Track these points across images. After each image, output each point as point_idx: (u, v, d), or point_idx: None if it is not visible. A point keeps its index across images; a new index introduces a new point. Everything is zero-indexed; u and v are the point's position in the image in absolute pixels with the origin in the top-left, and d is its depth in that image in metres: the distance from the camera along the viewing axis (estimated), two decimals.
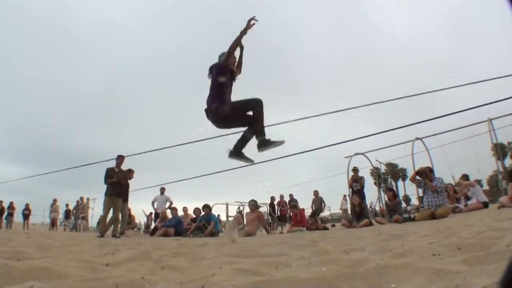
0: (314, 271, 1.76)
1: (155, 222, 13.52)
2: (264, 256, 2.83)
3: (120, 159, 9.64)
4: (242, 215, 12.71)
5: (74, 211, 20.05)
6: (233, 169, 12.20)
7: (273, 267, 2.12)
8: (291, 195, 17.38)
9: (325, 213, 38.13)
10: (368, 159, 17.39)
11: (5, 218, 20.06)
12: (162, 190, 13.68)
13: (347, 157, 16.82)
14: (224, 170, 12.41)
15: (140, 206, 12.85)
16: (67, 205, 21.48)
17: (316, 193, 16.63)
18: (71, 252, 3.38)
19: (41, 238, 6.43)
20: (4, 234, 7.98)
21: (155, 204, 13.61)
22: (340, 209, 20.23)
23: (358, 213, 10.23)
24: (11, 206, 20.45)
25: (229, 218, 18.45)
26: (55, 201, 20.17)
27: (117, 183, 9.43)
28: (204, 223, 10.45)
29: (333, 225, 15.93)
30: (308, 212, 15.62)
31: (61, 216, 21.17)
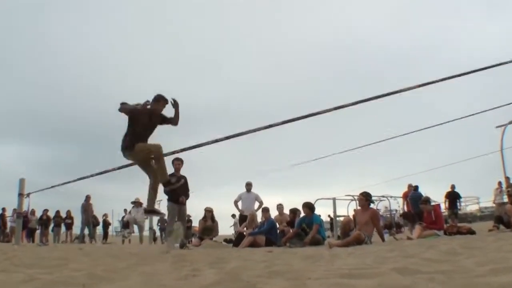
0: None
1: (239, 226, 14.04)
2: (382, 275, 2.93)
3: (177, 163, 10.55)
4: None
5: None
6: (341, 152, 12.03)
7: None
8: (415, 187, 17.04)
9: (472, 207, 36.34)
10: None
11: (52, 230, 22.07)
12: (249, 186, 13.95)
13: (500, 126, 15.80)
14: (328, 155, 12.32)
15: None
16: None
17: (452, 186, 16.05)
18: (144, 275, 3.65)
19: (100, 254, 7.05)
20: (56, 251, 8.71)
21: (240, 204, 13.97)
22: (494, 202, 19.15)
23: None
24: (57, 215, 22.26)
25: (338, 219, 18.50)
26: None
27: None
28: (304, 228, 10.56)
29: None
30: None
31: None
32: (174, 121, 7.28)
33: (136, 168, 7.71)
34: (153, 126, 7.20)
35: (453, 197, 18.82)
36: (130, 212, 18.39)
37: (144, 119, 6.99)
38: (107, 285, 2.86)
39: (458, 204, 19.37)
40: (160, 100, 7.17)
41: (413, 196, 16.77)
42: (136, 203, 17.40)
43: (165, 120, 7.30)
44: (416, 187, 17.64)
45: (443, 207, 19.18)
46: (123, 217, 21.68)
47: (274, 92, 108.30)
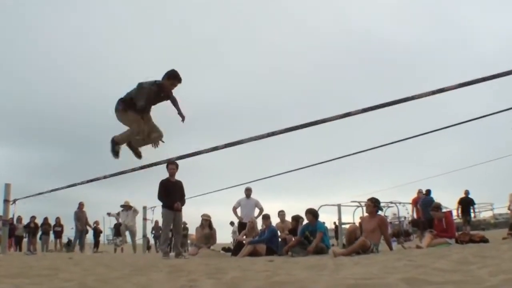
0: None
1: (238, 234, 14.06)
2: (390, 286, 2.95)
3: (171, 167, 10.59)
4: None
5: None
6: (346, 156, 11.98)
7: None
8: (427, 191, 17.04)
9: (485, 214, 36.27)
10: None
11: (40, 238, 22.16)
12: (248, 192, 13.95)
13: None
14: (333, 159, 12.28)
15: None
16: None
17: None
18: (138, 285, 3.67)
19: (91, 264, 7.07)
20: (45, 260, 8.75)
21: (239, 211, 14.00)
22: (509, 209, 19.14)
23: None
24: (45, 223, 22.33)
25: (343, 226, 18.48)
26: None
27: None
28: (307, 235, 10.56)
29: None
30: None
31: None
32: (178, 114, 7.32)
33: (129, 175, 7.81)
34: (157, 102, 7.19)
35: (466, 203, 18.85)
36: (118, 214, 18.14)
37: (150, 94, 6.97)
38: None
39: (472, 211, 19.38)
40: (171, 78, 7.05)
41: (425, 201, 16.73)
42: (126, 207, 17.27)
43: (171, 102, 7.30)
44: (429, 191, 17.63)
45: (455, 214, 19.21)
46: (115, 224, 21.58)
47: (276, 89, 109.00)
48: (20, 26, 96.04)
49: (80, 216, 19.63)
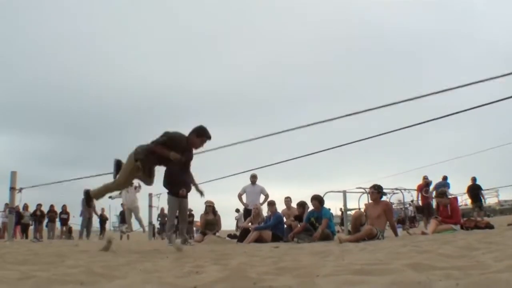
0: None
1: (243, 221, 14.12)
2: (397, 272, 2.95)
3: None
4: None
5: None
6: (351, 142, 11.95)
7: None
8: (444, 177, 17.13)
9: (491, 200, 36.20)
10: None
11: (46, 225, 22.45)
12: (254, 179, 13.99)
13: None
14: (338, 146, 12.24)
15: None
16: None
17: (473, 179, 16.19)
18: (144, 272, 3.69)
19: (97, 251, 7.10)
20: (51, 247, 8.80)
21: (244, 197, 14.10)
22: None
23: None
24: (51, 210, 22.69)
25: (348, 212, 18.52)
26: None
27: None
28: (313, 222, 10.62)
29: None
30: (464, 201, 15.18)
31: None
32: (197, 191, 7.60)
33: None
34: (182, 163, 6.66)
35: (474, 190, 19.05)
36: (120, 193, 17.68)
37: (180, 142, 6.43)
38: (106, 283, 2.87)
39: (481, 196, 19.58)
40: (200, 135, 6.49)
41: (441, 186, 16.93)
42: None
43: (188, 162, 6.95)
44: (445, 177, 17.82)
45: (461, 201, 19.36)
46: (121, 212, 21.62)
47: (277, 80, 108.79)
48: (18, 22, 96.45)
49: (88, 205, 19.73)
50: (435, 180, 18.30)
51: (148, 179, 6.69)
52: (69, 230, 24.07)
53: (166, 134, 6.31)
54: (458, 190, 19.75)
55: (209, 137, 6.51)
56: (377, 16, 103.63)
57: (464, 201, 24.34)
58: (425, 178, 18.15)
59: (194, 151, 6.82)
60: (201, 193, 7.50)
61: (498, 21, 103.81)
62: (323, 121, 7.06)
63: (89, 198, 6.94)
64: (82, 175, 9.64)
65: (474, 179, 19.09)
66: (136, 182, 15.82)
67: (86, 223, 19.87)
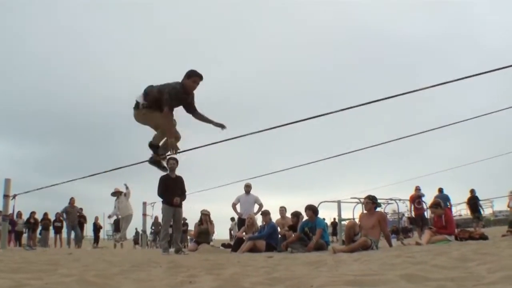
0: None
1: (237, 230, 14.09)
2: (391, 283, 2.95)
3: (172, 162, 10.41)
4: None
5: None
6: (346, 153, 12.00)
7: None
8: (440, 189, 17.22)
9: (486, 211, 36.24)
10: None
11: (40, 233, 22.20)
12: (248, 188, 13.97)
13: None
14: (332, 156, 12.26)
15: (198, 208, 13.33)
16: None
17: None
18: (138, 281, 3.68)
19: (91, 259, 7.06)
20: (44, 255, 8.78)
21: (239, 207, 14.00)
22: (508, 206, 19.28)
23: None
24: (45, 218, 22.37)
25: (343, 222, 18.52)
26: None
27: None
28: (307, 232, 10.58)
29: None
30: (459, 212, 15.20)
31: None
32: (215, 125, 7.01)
33: (129, 169, 7.74)
34: (179, 104, 6.77)
35: (474, 201, 19.51)
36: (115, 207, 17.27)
37: (177, 92, 6.60)
38: None
39: (480, 207, 20.05)
40: (192, 76, 6.63)
41: (441, 198, 16.98)
42: (116, 193, 16.39)
43: (191, 106, 6.90)
44: (441, 189, 17.89)
45: (455, 211, 19.50)
46: (115, 220, 21.36)
47: (276, 84, 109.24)
48: (15, 26, 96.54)
49: (69, 212, 19.65)
50: (429, 191, 18.42)
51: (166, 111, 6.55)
52: (62, 239, 23.83)
53: (168, 93, 6.46)
54: (453, 201, 19.79)
55: (199, 75, 6.64)
56: (376, 21, 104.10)
57: (459, 211, 24.51)
58: (417, 188, 18.19)
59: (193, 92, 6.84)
60: (222, 126, 7.03)
61: (500, 27, 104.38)
62: (304, 120, 7.07)
63: (153, 147, 6.89)
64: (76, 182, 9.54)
65: (473, 191, 19.46)
66: (124, 187, 15.76)
67: (70, 231, 19.74)
